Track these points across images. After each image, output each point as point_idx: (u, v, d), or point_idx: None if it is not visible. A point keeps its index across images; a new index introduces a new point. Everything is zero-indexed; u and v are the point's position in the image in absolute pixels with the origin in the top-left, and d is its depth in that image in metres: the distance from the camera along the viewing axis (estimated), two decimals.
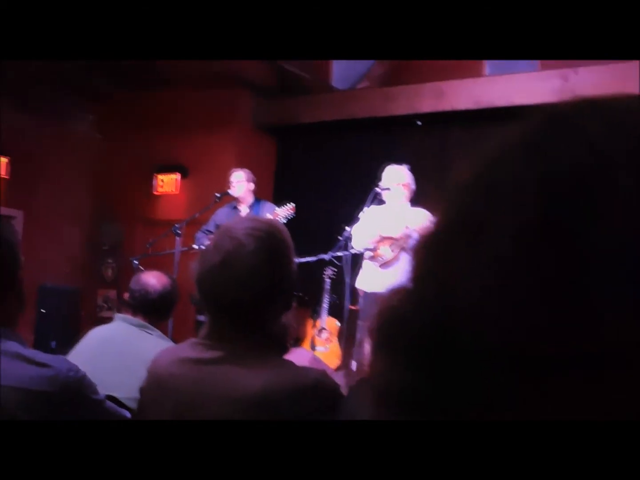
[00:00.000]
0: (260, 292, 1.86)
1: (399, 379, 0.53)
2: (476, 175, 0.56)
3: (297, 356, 2.22)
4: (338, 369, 5.96)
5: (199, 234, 7.40)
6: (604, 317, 0.45)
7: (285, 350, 1.95)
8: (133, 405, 2.77)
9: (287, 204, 6.97)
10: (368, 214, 6.30)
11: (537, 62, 8.42)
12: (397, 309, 0.58)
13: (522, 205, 0.48)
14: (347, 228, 6.31)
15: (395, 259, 6.19)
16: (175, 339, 3.84)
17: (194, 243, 7.23)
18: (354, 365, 6.16)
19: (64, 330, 7.78)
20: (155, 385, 1.91)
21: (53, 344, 7.50)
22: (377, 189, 6.29)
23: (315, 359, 3.36)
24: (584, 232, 0.45)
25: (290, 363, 1.87)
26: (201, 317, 7.39)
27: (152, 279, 3.44)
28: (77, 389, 2.09)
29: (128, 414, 2.65)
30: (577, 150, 0.48)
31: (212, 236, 6.16)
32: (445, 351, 0.50)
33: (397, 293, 0.61)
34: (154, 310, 3.40)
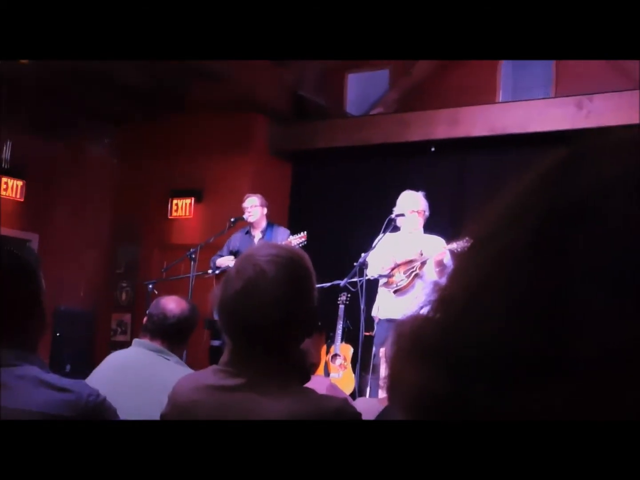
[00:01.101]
0: (282, 319, 1.86)
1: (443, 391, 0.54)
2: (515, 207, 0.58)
3: (316, 383, 2.22)
4: (352, 395, 5.93)
5: (214, 258, 7.43)
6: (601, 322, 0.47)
7: (308, 378, 1.95)
8: None
9: (300, 233, 7.00)
10: (383, 241, 6.30)
11: (552, 88, 8.45)
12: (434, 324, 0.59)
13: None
14: (362, 254, 6.31)
15: (409, 285, 6.18)
16: (190, 364, 3.82)
17: (208, 268, 7.26)
18: (368, 392, 6.14)
19: (78, 353, 7.80)
20: (177, 412, 1.91)
21: (68, 367, 7.51)
22: (392, 216, 6.29)
23: (333, 387, 3.34)
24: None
25: (312, 391, 1.87)
26: (216, 343, 7.39)
27: (171, 304, 3.43)
28: (97, 414, 2.09)
29: None
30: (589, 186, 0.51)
31: (224, 260, 6.14)
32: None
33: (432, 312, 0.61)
34: (172, 335, 3.39)
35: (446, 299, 0.58)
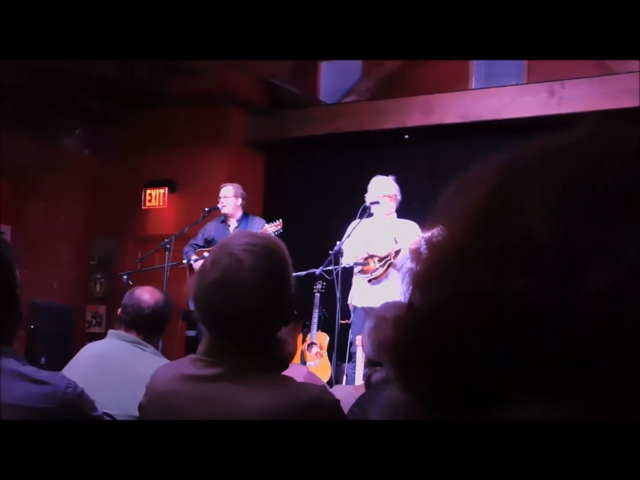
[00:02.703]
0: (259, 308, 1.85)
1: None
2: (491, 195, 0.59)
3: (293, 372, 2.22)
4: (329, 383, 5.94)
5: (187, 248, 7.40)
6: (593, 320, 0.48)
7: (285, 366, 1.95)
8: None
9: (276, 221, 7.01)
10: (358, 228, 6.31)
11: (524, 75, 8.49)
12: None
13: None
14: (337, 243, 6.32)
15: (384, 275, 6.20)
16: (166, 354, 3.82)
17: (182, 257, 7.23)
18: (344, 380, 6.16)
19: (55, 346, 7.75)
20: (155, 402, 1.90)
21: (42, 359, 7.46)
22: (367, 204, 6.31)
23: (311, 375, 3.34)
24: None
25: (290, 379, 1.87)
26: (191, 333, 7.38)
27: (146, 294, 3.41)
28: (75, 406, 2.09)
29: None
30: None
31: (200, 250, 6.13)
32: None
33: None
34: (147, 326, 3.37)
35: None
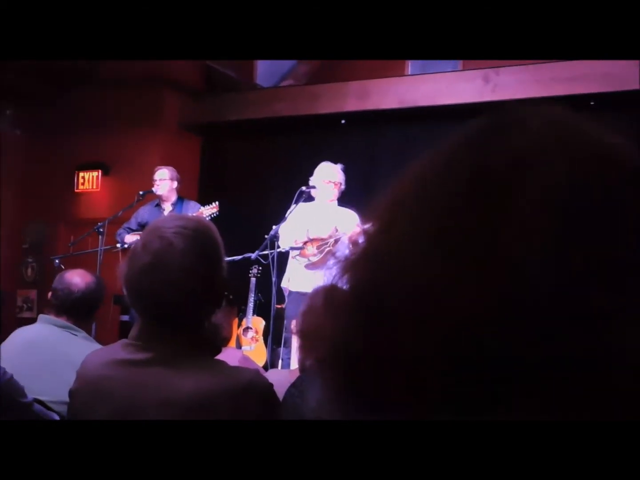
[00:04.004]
0: (190, 292, 1.84)
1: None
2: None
3: (228, 356, 2.21)
4: (264, 367, 5.94)
5: (120, 231, 7.31)
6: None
7: (218, 350, 1.94)
8: (60, 408, 2.72)
9: (212, 203, 6.97)
10: (296, 213, 6.30)
11: (459, 62, 8.56)
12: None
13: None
14: (274, 227, 6.30)
15: (322, 261, 6.20)
16: (99, 340, 3.76)
17: (116, 242, 7.15)
18: (279, 364, 6.16)
19: None
20: (87, 388, 1.87)
21: None
22: (303, 188, 6.29)
23: (245, 359, 3.34)
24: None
25: (223, 363, 1.86)
26: (125, 317, 7.30)
27: (76, 278, 3.36)
28: (4, 392, 2.04)
29: (56, 417, 2.60)
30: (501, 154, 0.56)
31: (135, 234, 6.06)
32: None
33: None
34: (78, 310, 3.31)
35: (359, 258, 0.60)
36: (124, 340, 1.90)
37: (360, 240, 0.61)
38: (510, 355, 0.49)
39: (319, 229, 6.27)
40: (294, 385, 2.56)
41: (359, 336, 0.55)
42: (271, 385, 1.86)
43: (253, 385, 1.80)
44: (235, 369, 1.89)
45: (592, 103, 7.01)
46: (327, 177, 6.37)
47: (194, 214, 6.77)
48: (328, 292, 0.62)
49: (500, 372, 0.49)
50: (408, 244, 0.55)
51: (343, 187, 6.44)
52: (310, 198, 6.36)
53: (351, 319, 0.56)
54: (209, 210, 6.86)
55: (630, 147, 0.56)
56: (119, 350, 1.88)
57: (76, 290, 3.30)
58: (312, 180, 6.37)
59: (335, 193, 6.40)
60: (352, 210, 6.18)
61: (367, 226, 0.62)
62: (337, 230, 6.20)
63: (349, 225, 6.02)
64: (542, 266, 0.49)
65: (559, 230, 0.50)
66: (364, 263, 0.59)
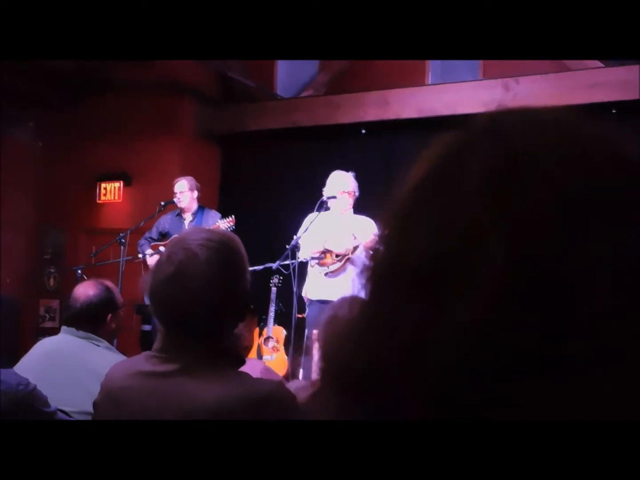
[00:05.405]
0: (213, 304, 1.84)
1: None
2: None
3: (250, 367, 2.21)
4: (286, 377, 5.94)
5: (141, 241, 7.37)
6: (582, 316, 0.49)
7: (242, 362, 1.94)
8: (83, 418, 2.74)
9: (229, 217, 6.98)
10: (315, 223, 6.30)
11: (479, 71, 8.55)
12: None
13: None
14: (294, 237, 6.31)
15: (341, 269, 6.20)
16: (121, 349, 3.77)
17: (137, 252, 7.19)
18: (301, 374, 6.16)
19: (5, 341, 7.65)
20: (111, 399, 1.88)
21: None
22: (324, 198, 6.30)
23: (267, 369, 3.34)
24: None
25: (245, 375, 1.86)
26: (147, 327, 7.33)
27: (80, 290, 3.37)
28: (28, 403, 2.06)
29: None
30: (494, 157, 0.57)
31: (155, 243, 6.09)
32: None
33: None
34: (85, 321, 3.30)
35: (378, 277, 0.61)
36: (147, 353, 1.91)
37: (378, 247, 0.62)
38: (517, 354, 0.50)
39: (336, 240, 6.27)
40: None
41: (376, 348, 0.55)
42: (294, 396, 1.86)
43: (275, 397, 1.80)
44: (258, 380, 1.89)
45: (614, 111, 6.98)
46: (341, 187, 6.36)
47: (213, 225, 6.80)
48: (350, 303, 0.63)
49: (503, 372, 0.50)
50: (422, 249, 0.56)
51: (357, 194, 6.43)
52: (327, 209, 6.36)
53: (369, 329, 0.57)
54: (225, 224, 6.88)
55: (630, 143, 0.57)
56: (142, 362, 1.89)
57: (75, 304, 3.32)
58: (326, 191, 6.37)
59: (350, 202, 6.40)
60: (369, 218, 6.19)
61: (382, 233, 0.63)
62: (355, 238, 6.20)
63: (366, 233, 6.02)
64: (549, 266, 0.50)
65: (564, 229, 0.51)
66: (382, 271, 0.59)
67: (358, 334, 0.58)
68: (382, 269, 0.60)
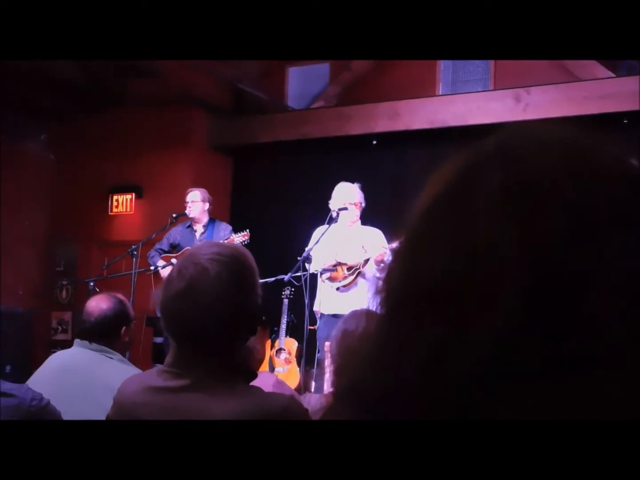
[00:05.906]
0: (224, 319, 1.84)
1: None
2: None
3: (262, 380, 2.21)
4: (298, 390, 5.93)
5: (152, 252, 7.37)
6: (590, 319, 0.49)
7: (254, 376, 1.94)
8: None
9: (243, 231, 6.98)
10: (326, 235, 6.30)
11: (490, 81, 8.54)
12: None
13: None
14: (306, 249, 6.31)
15: (353, 283, 6.20)
16: (133, 361, 3.78)
17: (148, 263, 7.20)
18: (313, 386, 6.15)
19: (19, 353, 7.67)
20: (123, 414, 1.89)
21: (8, 367, 7.37)
22: (335, 210, 6.29)
23: (280, 383, 3.33)
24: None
25: (258, 390, 1.86)
26: (159, 339, 7.34)
27: (93, 303, 3.36)
28: (41, 417, 2.06)
29: None
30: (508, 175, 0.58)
31: (166, 255, 6.09)
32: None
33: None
34: (98, 336, 3.30)
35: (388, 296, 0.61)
36: (159, 367, 1.91)
37: (386, 259, 0.63)
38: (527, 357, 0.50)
39: (347, 253, 6.26)
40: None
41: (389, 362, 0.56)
42: (306, 410, 1.87)
43: (288, 412, 1.80)
44: (270, 394, 1.89)
45: (625, 121, 6.96)
46: (347, 199, 6.34)
47: (225, 238, 6.81)
48: (363, 317, 0.64)
49: (505, 372, 0.50)
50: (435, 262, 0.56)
51: (363, 205, 6.42)
52: (335, 220, 6.35)
53: (384, 347, 0.57)
54: (239, 238, 6.87)
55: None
56: (154, 376, 1.89)
57: (89, 318, 3.31)
58: (332, 203, 6.36)
59: (357, 213, 6.40)
60: (377, 229, 6.18)
61: (394, 246, 0.63)
62: (365, 250, 6.19)
63: (375, 245, 6.01)
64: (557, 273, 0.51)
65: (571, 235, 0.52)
66: (397, 293, 0.60)
67: (372, 350, 0.58)
68: (397, 290, 0.60)
